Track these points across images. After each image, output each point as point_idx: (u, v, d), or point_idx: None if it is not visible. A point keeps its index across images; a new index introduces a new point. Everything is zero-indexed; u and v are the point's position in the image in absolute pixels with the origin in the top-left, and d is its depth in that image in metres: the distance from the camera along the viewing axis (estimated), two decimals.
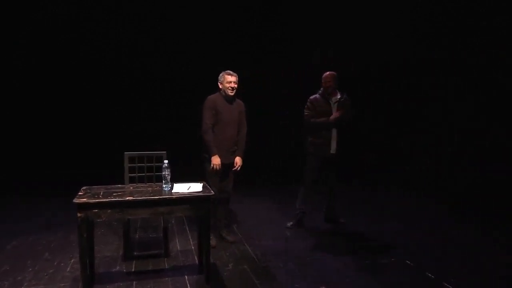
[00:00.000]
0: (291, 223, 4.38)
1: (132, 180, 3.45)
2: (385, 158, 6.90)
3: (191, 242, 3.89)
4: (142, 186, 3.12)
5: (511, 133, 5.28)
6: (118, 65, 6.39)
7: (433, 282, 3.11)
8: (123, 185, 3.20)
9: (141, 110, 6.62)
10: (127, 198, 2.73)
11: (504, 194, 5.11)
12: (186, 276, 3.14)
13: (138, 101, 6.60)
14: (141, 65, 6.49)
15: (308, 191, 4.33)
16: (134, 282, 3.02)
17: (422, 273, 3.26)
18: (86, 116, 6.46)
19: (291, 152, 6.78)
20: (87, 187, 2.98)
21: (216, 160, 3.62)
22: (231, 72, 3.71)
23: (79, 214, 2.62)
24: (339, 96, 4.18)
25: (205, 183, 3.19)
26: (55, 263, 3.36)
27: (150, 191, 2.94)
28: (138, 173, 3.51)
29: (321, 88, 4.19)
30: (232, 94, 3.69)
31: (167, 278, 3.09)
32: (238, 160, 3.79)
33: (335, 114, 4.08)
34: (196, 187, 3.01)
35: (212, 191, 3.01)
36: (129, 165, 3.49)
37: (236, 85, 3.69)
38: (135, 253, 3.61)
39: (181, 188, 2.97)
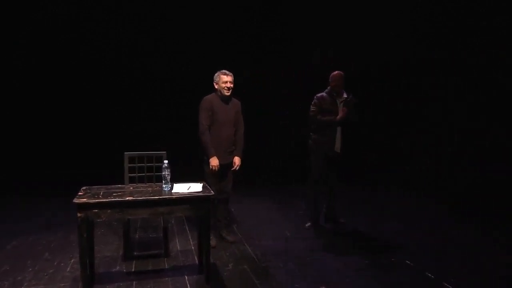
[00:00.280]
0: (309, 224, 4.40)
1: (132, 180, 3.46)
2: (385, 158, 6.90)
3: (191, 242, 3.89)
4: (142, 186, 3.12)
5: (511, 133, 5.28)
6: (118, 65, 6.38)
7: (433, 282, 3.11)
8: (123, 185, 3.20)
9: (141, 110, 6.61)
10: (127, 198, 2.74)
11: (504, 194, 5.11)
12: (186, 276, 3.14)
13: (138, 101, 6.59)
14: (141, 65, 6.48)
15: (317, 187, 4.32)
16: (134, 282, 3.02)
17: (422, 273, 3.26)
18: (86, 116, 6.45)
19: (291, 152, 6.78)
20: (87, 187, 2.98)
21: (214, 162, 3.59)
22: (226, 71, 3.65)
23: (79, 214, 2.63)
24: (345, 96, 4.18)
25: (205, 183, 3.18)
26: (55, 263, 3.36)
27: (150, 191, 2.94)
28: (138, 173, 3.51)
29: (328, 87, 4.19)
30: (228, 94, 3.63)
31: (167, 278, 3.10)
32: (236, 160, 3.76)
33: (341, 114, 4.08)
34: (196, 187, 3.01)
35: (212, 191, 3.01)
36: (129, 165, 3.49)
37: (232, 85, 3.62)
38: (135, 253, 3.61)
39: (181, 188, 2.97)
